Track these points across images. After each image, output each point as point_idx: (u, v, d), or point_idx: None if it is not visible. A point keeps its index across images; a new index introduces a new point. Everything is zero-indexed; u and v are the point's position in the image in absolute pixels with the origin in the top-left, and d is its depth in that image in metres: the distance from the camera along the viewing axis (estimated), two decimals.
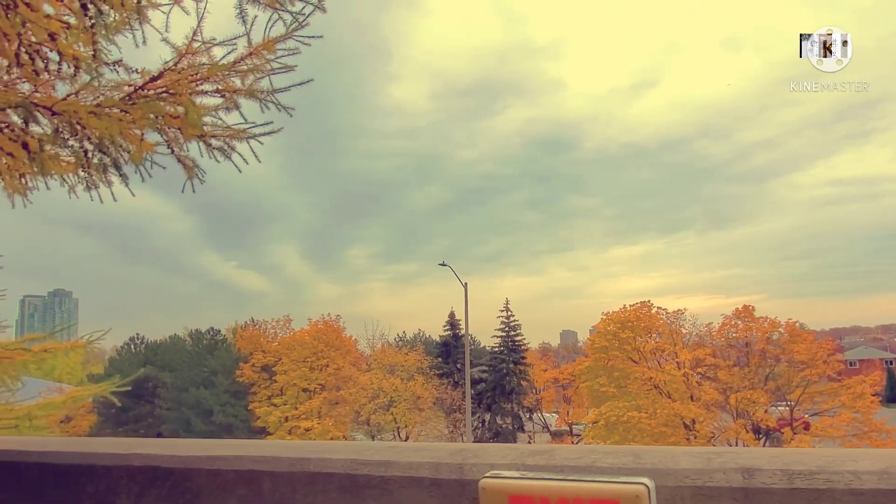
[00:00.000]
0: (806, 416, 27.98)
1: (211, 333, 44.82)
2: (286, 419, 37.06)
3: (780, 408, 28.26)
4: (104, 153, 2.35)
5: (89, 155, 2.44)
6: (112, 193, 2.54)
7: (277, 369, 38.46)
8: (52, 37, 2.11)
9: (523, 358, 41.29)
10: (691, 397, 27.57)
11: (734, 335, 29.09)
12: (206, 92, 2.36)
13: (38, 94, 2.21)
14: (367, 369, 37.88)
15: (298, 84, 2.40)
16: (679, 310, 30.41)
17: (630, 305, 30.56)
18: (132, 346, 46.39)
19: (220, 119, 2.52)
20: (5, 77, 2.32)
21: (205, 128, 2.48)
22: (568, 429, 42.65)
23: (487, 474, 1.49)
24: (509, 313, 41.82)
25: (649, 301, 30.48)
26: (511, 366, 40.05)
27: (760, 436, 26.69)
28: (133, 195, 2.55)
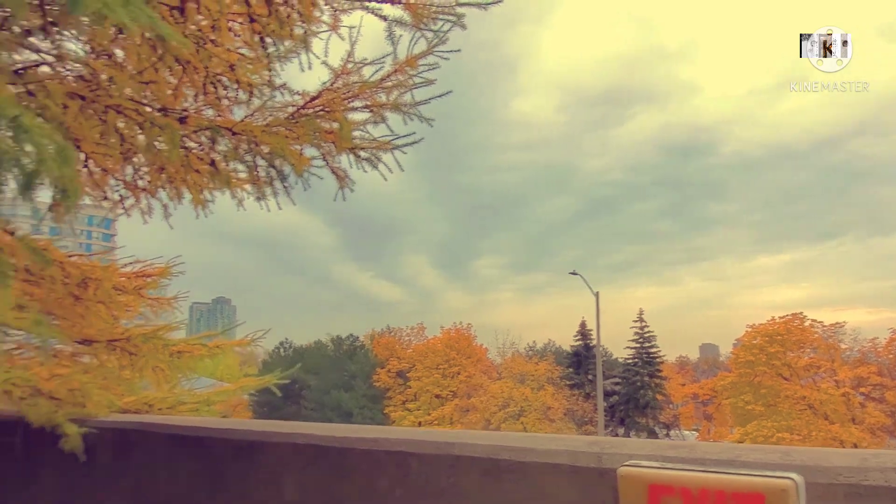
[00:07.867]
0: None
1: (350, 340, 47.49)
2: (419, 424, 38.23)
3: None
4: (273, 167, 2.70)
5: (259, 170, 2.79)
6: (277, 203, 2.88)
7: (411, 375, 39.85)
8: (231, 67, 2.45)
9: (659, 371, 39.36)
10: (853, 420, 24.85)
11: None
12: (357, 108, 2.63)
13: (219, 118, 2.58)
14: (497, 378, 38.05)
15: (438, 96, 2.60)
16: (837, 323, 27.57)
17: (779, 317, 28.25)
18: (281, 350, 50.34)
19: (368, 132, 2.78)
20: (193, 105, 2.72)
21: (354, 141, 2.74)
22: None
23: (626, 463, 1.50)
24: (643, 324, 40.08)
25: (801, 313, 27.95)
26: (646, 378, 38.30)
27: None
28: (294, 203, 2.88)
